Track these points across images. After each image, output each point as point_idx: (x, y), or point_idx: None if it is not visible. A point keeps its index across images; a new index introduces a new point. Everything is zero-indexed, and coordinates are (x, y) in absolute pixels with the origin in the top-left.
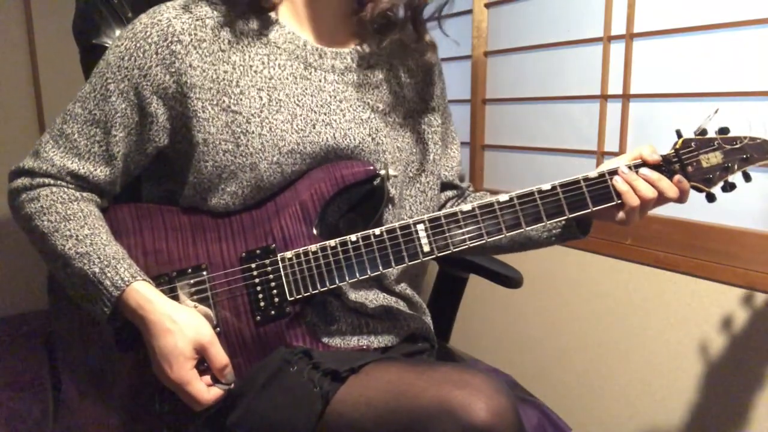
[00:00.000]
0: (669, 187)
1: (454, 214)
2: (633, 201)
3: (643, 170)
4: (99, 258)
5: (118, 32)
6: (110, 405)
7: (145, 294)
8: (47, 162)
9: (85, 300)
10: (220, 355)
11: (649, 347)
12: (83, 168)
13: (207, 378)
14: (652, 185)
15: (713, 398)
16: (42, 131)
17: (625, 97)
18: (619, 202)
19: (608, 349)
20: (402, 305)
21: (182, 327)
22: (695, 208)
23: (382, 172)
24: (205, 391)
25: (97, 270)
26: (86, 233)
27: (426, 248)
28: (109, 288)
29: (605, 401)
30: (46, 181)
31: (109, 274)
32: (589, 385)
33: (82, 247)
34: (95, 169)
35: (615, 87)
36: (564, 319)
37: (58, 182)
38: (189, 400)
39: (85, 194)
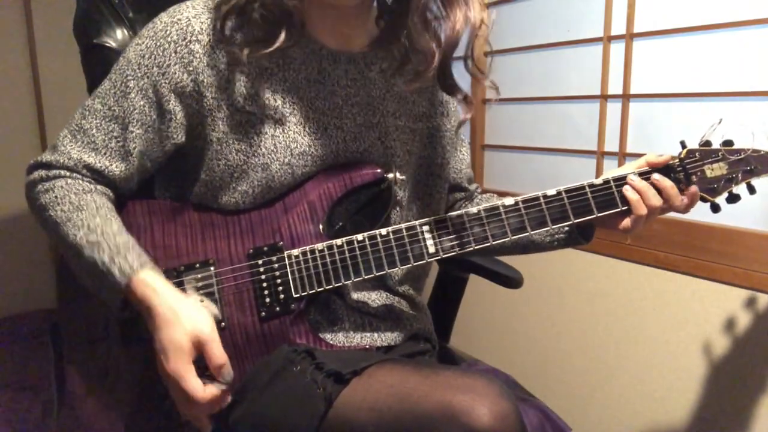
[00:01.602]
0: (677, 195)
1: (460, 216)
2: (641, 210)
3: (656, 175)
4: (109, 247)
5: (118, 32)
6: (115, 400)
7: (151, 283)
8: (64, 155)
9: (96, 289)
10: (218, 353)
11: (649, 347)
12: (99, 162)
13: (209, 384)
14: (662, 192)
15: (713, 398)
16: (42, 131)
17: (625, 97)
18: (624, 208)
19: (608, 349)
20: (404, 305)
21: (182, 319)
22: (695, 209)
23: (390, 175)
24: (201, 389)
25: (106, 259)
26: (97, 223)
27: (431, 249)
28: (118, 276)
29: (605, 401)
30: (62, 173)
31: (117, 262)
32: (589, 385)
33: (93, 237)
34: (111, 164)
35: (615, 87)
36: (564, 319)
37: (74, 174)
38: (183, 396)
39: (99, 187)
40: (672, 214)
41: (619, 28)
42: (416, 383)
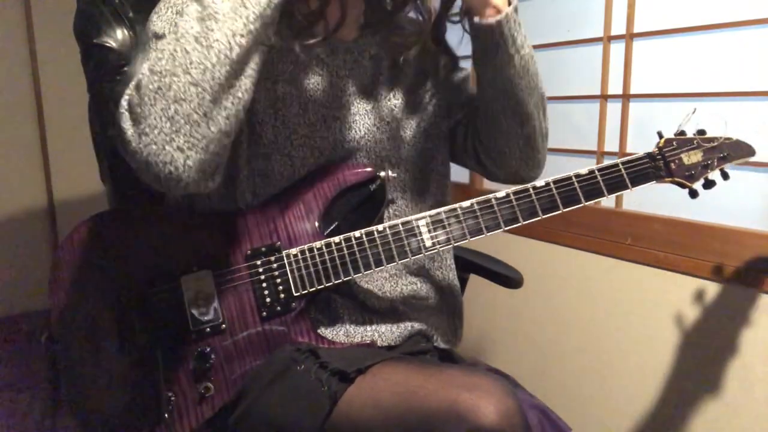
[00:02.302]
0: None
1: (454, 209)
2: None
3: None
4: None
5: (118, 32)
6: (110, 405)
7: None
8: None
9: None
10: None
11: (649, 347)
12: None
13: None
14: None
15: (714, 398)
16: (42, 131)
17: (625, 97)
18: (611, 196)
19: (608, 349)
20: (407, 306)
21: None
22: (696, 209)
23: (382, 174)
24: None
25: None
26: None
27: (428, 243)
28: None
29: (605, 401)
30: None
31: None
32: (589, 385)
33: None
34: None
35: (615, 87)
36: (564, 319)
37: None
38: None
39: None
40: (672, 214)
41: (619, 28)
42: (421, 381)
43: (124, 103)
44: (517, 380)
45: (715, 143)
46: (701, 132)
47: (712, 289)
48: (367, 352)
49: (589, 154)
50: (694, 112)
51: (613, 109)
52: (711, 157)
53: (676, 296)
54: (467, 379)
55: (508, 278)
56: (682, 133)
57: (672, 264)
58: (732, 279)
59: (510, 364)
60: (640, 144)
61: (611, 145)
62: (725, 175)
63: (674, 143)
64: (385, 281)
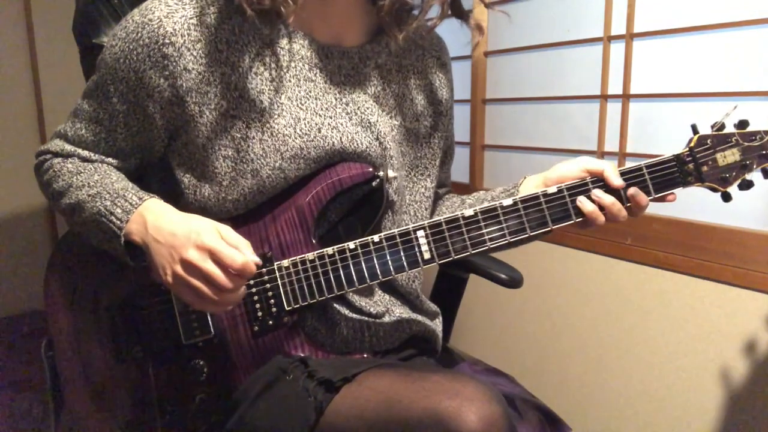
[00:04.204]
0: (619, 211)
1: (456, 219)
2: (599, 219)
3: (597, 192)
4: (109, 193)
5: None
6: (110, 410)
7: (152, 209)
8: (60, 148)
9: (105, 241)
10: (229, 256)
11: (649, 347)
12: (95, 156)
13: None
14: (603, 207)
15: (713, 398)
16: (42, 131)
17: (625, 97)
18: (628, 205)
19: (608, 349)
20: (407, 309)
21: (180, 236)
22: (695, 208)
23: (381, 173)
24: (237, 252)
25: (108, 203)
26: (96, 179)
27: (426, 255)
28: (120, 215)
29: (605, 401)
30: (58, 158)
31: (119, 203)
32: (589, 385)
33: (93, 190)
34: (106, 159)
35: (615, 87)
36: (564, 319)
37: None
38: (212, 284)
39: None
40: (671, 214)
41: (619, 28)
42: (405, 389)
43: None
44: (517, 379)
45: (757, 139)
46: (742, 124)
47: (712, 289)
48: (358, 361)
49: (589, 155)
50: (734, 109)
51: (613, 109)
52: (750, 156)
53: (675, 296)
54: (450, 385)
55: (508, 278)
56: (722, 126)
57: (672, 264)
58: (731, 279)
59: (510, 363)
60: (641, 144)
61: (611, 145)
62: (766, 173)
63: (708, 141)
64: (373, 294)
